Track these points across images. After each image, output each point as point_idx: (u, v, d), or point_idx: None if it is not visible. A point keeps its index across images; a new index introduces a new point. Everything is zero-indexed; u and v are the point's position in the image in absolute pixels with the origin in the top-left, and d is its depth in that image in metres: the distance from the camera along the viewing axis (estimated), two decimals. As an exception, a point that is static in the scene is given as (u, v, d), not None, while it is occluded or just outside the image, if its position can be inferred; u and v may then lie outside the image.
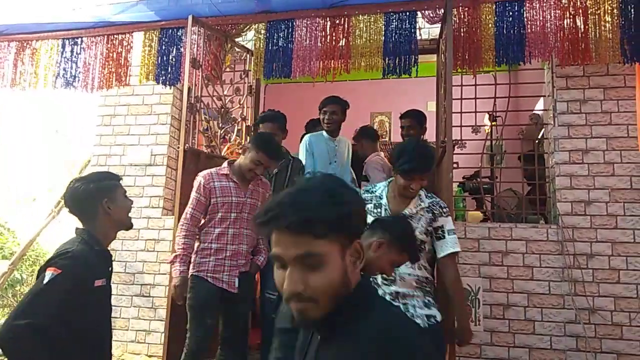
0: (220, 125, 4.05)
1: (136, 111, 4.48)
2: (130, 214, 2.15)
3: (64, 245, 2.00)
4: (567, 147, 3.67)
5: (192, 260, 2.89)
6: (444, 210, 2.46)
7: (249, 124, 4.27)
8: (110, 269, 2.13)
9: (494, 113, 4.11)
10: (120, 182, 2.18)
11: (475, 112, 3.88)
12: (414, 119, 4.06)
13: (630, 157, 3.56)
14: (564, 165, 3.65)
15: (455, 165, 3.40)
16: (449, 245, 2.40)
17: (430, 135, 4.19)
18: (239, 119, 4.20)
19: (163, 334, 3.65)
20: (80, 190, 2.07)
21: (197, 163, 3.61)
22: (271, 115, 3.66)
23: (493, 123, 4.34)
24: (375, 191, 2.54)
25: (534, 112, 4.64)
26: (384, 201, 2.47)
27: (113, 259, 2.21)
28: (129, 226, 2.17)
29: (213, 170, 3.00)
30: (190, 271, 2.86)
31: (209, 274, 2.85)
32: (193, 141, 3.74)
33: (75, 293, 1.85)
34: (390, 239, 2.00)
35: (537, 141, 4.34)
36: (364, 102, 6.10)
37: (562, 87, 3.73)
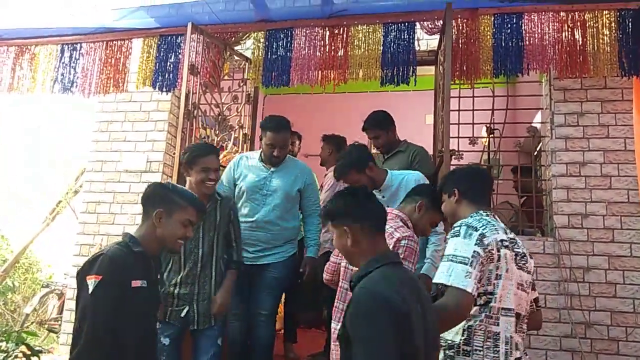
0: (217, 133, 4.05)
1: (133, 117, 4.47)
2: (180, 242, 2.12)
3: (100, 249, 2.01)
4: (564, 160, 3.67)
5: None
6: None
7: (246, 132, 4.27)
8: (154, 271, 2.10)
9: (492, 125, 4.11)
10: (196, 211, 2.14)
11: (473, 123, 3.88)
12: (376, 128, 3.60)
13: (627, 171, 3.56)
14: (561, 177, 3.65)
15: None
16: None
17: (427, 146, 4.19)
18: (236, 127, 4.19)
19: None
20: (153, 189, 2.12)
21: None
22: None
23: (490, 135, 4.34)
24: None
25: (531, 124, 4.64)
26: None
27: None
28: (172, 250, 2.16)
29: None
30: None
31: None
32: (189, 148, 3.72)
33: (118, 296, 1.84)
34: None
35: (534, 154, 4.34)
36: (362, 114, 6.11)
37: (560, 100, 3.74)
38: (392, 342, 1.37)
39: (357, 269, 1.70)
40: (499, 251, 1.88)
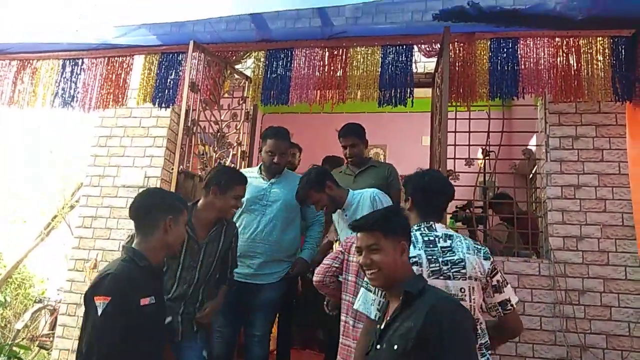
0: (216, 149, 4.07)
1: (132, 133, 4.50)
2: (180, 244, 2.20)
3: (106, 267, 1.98)
4: (559, 182, 3.70)
5: None
6: None
7: (244, 149, 4.29)
8: (161, 282, 2.12)
9: (488, 147, 4.15)
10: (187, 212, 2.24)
11: (469, 145, 3.92)
12: (355, 136, 3.64)
13: (621, 194, 3.59)
14: (556, 200, 3.68)
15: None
16: None
17: (424, 166, 4.22)
18: (235, 144, 4.22)
19: None
20: (153, 199, 2.11)
21: (191, 186, 3.61)
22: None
23: (486, 157, 4.39)
24: None
25: (526, 147, 4.70)
26: None
27: None
28: (175, 253, 2.21)
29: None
30: None
31: None
32: (188, 164, 3.75)
33: (128, 316, 1.83)
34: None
35: (529, 176, 4.38)
36: (360, 134, 6.18)
37: (555, 124, 3.79)
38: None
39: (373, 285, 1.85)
40: None
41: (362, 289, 2.02)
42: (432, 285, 1.78)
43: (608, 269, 3.51)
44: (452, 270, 1.97)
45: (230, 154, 4.18)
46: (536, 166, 4.23)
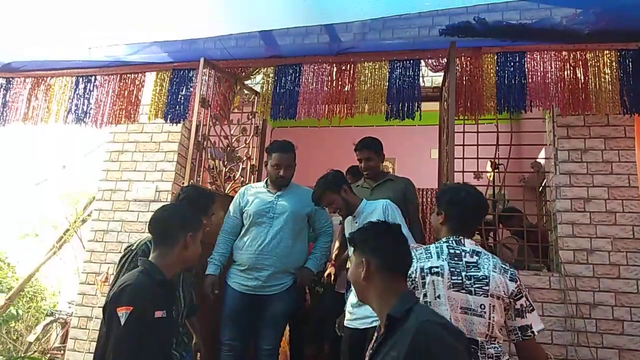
0: (226, 164, 4.12)
1: (144, 148, 4.56)
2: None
3: (125, 278, 2.02)
4: (569, 195, 3.69)
5: None
6: None
7: (253, 163, 4.34)
8: (173, 297, 2.15)
9: (496, 160, 4.16)
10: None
11: (478, 158, 3.93)
12: (371, 150, 3.65)
13: (632, 207, 3.57)
14: (566, 213, 3.67)
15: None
16: None
17: (432, 180, 4.23)
18: (244, 158, 4.26)
19: None
20: (173, 215, 2.17)
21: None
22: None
23: (495, 170, 4.39)
24: None
25: (535, 160, 4.69)
26: None
27: None
28: (190, 268, 2.27)
29: None
30: None
31: None
32: (198, 178, 3.79)
33: (146, 327, 1.87)
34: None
35: (539, 189, 4.37)
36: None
37: (563, 136, 3.80)
38: None
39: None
40: (423, 279, 1.99)
41: None
42: (421, 305, 1.69)
43: (619, 282, 3.48)
44: (474, 286, 1.98)
45: (240, 167, 4.22)
46: (545, 179, 4.22)
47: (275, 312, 3.19)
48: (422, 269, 2.01)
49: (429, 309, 1.66)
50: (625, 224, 3.57)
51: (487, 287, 1.98)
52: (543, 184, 4.41)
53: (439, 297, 1.96)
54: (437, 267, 1.99)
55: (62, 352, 5.32)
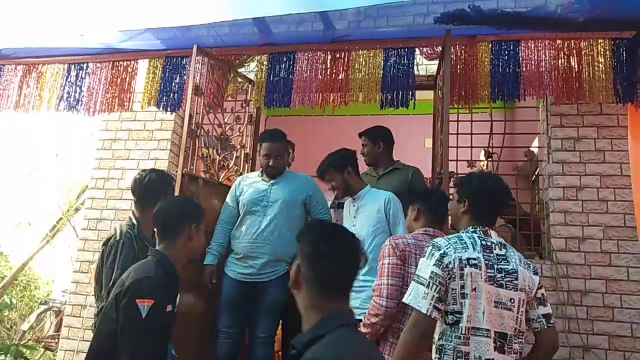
0: (219, 152, 4.10)
1: (137, 136, 4.54)
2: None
3: (141, 269, 1.99)
4: (562, 184, 3.72)
5: None
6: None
7: (247, 151, 4.32)
8: (176, 291, 2.14)
9: (490, 149, 4.17)
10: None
11: (471, 147, 3.94)
12: (366, 136, 3.75)
13: (623, 195, 3.60)
14: (558, 201, 3.69)
15: (450, 198, 3.43)
16: None
17: (426, 169, 4.24)
18: (238, 147, 4.25)
19: None
20: (177, 207, 2.18)
21: (195, 188, 3.64)
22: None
23: (488, 159, 4.40)
24: None
25: (529, 148, 4.71)
26: None
27: None
28: (194, 259, 2.28)
29: None
30: None
31: None
32: (192, 167, 3.77)
33: (163, 320, 1.89)
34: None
35: (532, 178, 4.40)
36: (363, 136, 6.20)
37: (557, 125, 3.81)
38: None
39: None
40: (461, 270, 1.92)
41: (412, 282, 1.97)
42: (339, 333, 1.30)
43: (610, 270, 3.52)
44: (505, 279, 1.96)
45: (234, 156, 4.21)
46: (538, 168, 4.25)
47: (271, 300, 3.21)
48: (460, 260, 1.93)
49: (344, 341, 1.29)
50: (617, 212, 3.60)
51: (516, 282, 1.96)
52: (536, 173, 4.43)
53: (475, 289, 1.91)
54: (474, 259, 1.94)
55: (56, 340, 5.33)
